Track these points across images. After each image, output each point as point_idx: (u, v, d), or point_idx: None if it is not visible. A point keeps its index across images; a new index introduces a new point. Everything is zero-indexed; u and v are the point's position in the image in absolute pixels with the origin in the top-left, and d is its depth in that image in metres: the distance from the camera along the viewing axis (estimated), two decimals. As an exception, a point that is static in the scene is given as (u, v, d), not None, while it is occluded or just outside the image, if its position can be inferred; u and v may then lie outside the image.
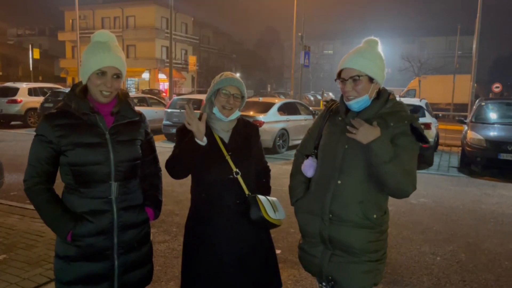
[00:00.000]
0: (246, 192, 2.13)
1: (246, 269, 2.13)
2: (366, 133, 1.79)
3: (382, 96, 1.95)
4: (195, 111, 2.00)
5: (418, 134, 1.88)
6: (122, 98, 2.00)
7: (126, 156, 1.94)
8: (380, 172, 1.80)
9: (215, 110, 2.14)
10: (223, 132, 2.19)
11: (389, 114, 1.90)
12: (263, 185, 2.32)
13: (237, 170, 2.12)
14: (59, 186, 1.96)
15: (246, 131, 2.27)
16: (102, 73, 1.87)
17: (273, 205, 2.14)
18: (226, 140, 2.18)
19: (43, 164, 1.87)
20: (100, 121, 1.91)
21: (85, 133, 1.87)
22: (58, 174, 1.96)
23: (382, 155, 1.78)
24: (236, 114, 2.19)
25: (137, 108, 2.06)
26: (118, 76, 1.92)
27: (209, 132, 2.14)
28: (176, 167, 2.10)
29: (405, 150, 1.85)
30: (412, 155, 1.87)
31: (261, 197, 2.13)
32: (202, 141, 1.98)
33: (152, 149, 2.17)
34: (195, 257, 2.16)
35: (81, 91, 1.92)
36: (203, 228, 2.15)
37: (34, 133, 1.92)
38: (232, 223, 2.12)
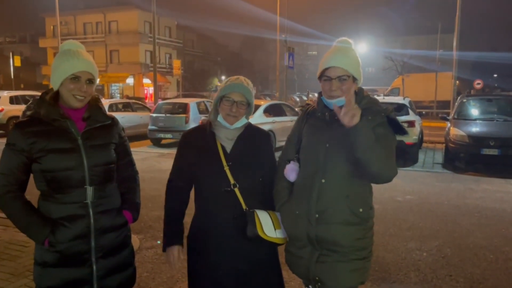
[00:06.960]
0: (244, 206, 2.00)
1: (246, 286, 2.04)
2: (356, 113, 1.75)
3: (359, 93, 1.99)
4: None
5: (395, 125, 1.92)
6: (93, 103, 2.01)
7: (100, 160, 1.95)
8: (365, 156, 1.78)
9: (220, 117, 2.06)
10: (227, 141, 2.07)
11: (365, 110, 1.91)
12: (271, 199, 2.12)
13: (235, 182, 2.00)
14: (35, 193, 1.96)
15: (254, 139, 2.14)
16: (76, 78, 1.89)
17: (274, 221, 2.02)
18: (229, 149, 2.06)
19: (15, 173, 1.86)
20: (72, 127, 1.91)
21: (57, 139, 1.87)
22: (32, 182, 1.94)
23: (367, 138, 1.76)
24: (242, 121, 2.08)
25: (112, 113, 2.05)
26: (91, 81, 1.95)
27: (212, 140, 2.07)
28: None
29: (382, 137, 1.85)
30: (388, 143, 1.88)
31: (260, 212, 2.00)
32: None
33: (127, 152, 2.19)
34: (198, 275, 2.09)
35: (52, 98, 1.92)
36: (202, 246, 2.07)
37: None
38: (230, 239, 2.00)
